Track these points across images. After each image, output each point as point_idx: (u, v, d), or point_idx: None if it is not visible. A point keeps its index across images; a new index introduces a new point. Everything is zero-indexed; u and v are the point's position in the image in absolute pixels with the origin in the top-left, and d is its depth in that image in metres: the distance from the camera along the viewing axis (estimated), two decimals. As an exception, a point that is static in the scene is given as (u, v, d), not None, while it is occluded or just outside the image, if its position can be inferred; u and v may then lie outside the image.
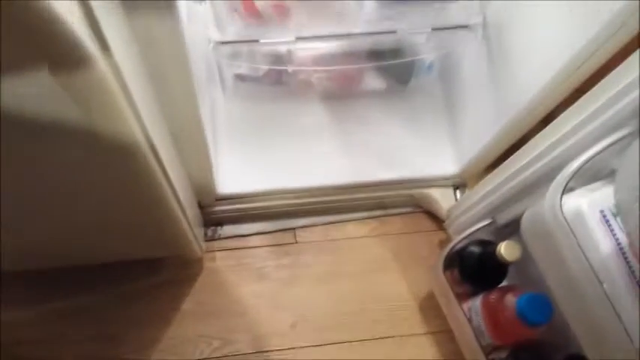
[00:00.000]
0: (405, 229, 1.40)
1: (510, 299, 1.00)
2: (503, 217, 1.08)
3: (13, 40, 0.46)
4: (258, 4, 1.01)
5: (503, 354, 1.05)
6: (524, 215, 0.88)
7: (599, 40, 0.75)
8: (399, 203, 1.40)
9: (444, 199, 1.34)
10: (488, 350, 1.09)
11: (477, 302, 1.09)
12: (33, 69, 0.50)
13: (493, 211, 1.11)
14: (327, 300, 1.30)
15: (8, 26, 0.44)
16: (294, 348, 1.25)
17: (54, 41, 0.47)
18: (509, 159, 1.02)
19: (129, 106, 0.61)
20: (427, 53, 1.19)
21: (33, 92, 0.55)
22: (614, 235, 0.76)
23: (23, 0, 0.42)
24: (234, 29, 1.03)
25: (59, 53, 0.48)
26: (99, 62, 0.52)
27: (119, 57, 0.56)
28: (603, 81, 0.76)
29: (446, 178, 1.34)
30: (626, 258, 0.74)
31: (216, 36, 1.01)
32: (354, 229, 1.38)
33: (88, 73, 0.52)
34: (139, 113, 0.64)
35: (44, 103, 0.57)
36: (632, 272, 0.74)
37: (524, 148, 0.97)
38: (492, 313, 1.05)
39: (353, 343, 1.26)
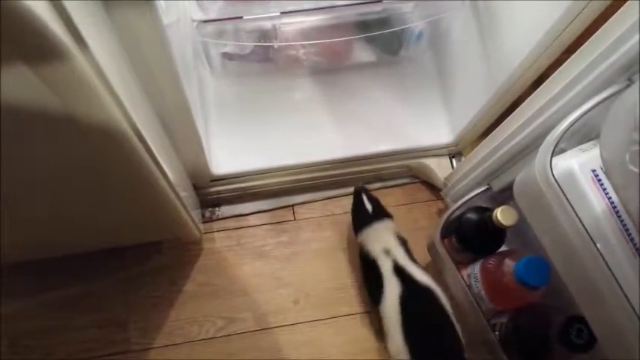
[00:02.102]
0: (403, 201, 1.40)
1: (509, 263, 1.00)
2: (499, 183, 1.08)
3: None
4: (240, -19, 0.99)
5: (504, 318, 1.06)
6: (517, 179, 0.87)
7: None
8: (396, 175, 1.40)
9: (440, 169, 1.34)
10: (489, 315, 1.10)
11: (475, 268, 1.10)
12: (7, 61, 0.49)
13: (488, 177, 1.11)
14: (328, 274, 1.31)
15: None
16: (298, 323, 1.26)
17: (25, 34, 0.46)
18: (501, 124, 1.02)
19: (109, 95, 0.60)
20: (415, 22, 1.17)
21: (11, 82, 0.55)
22: (606, 194, 0.75)
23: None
24: (217, 7, 1.02)
25: (31, 46, 0.48)
26: (74, 53, 0.51)
27: (95, 47, 0.55)
28: (590, 40, 0.75)
29: (441, 147, 1.33)
30: (619, 217, 0.74)
31: (199, 15, 1.00)
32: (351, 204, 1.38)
33: (63, 65, 0.51)
34: (120, 101, 0.63)
35: (24, 93, 0.57)
36: (626, 231, 0.73)
37: (515, 112, 0.97)
38: (491, 279, 1.05)
39: (355, 315, 1.27)
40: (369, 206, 1.22)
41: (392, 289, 1.10)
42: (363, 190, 1.25)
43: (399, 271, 1.12)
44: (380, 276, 1.13)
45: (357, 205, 1.24)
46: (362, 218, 1.22)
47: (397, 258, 1.13)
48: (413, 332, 1.07)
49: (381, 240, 1.17)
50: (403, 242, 1.19)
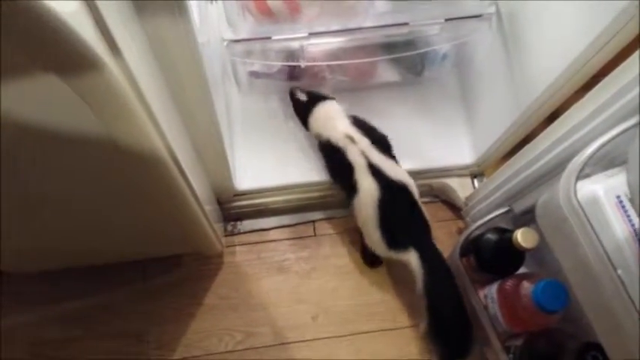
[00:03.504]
0: (424, 219, 1.40)
1: (526, 286, 1.00)
2: (521, 205, 1.07)
3: (16, 46, 0.46)
4: (270, 2, 1.01)
5: (519, 341, 1.05)
6: (540, 201, 0.87)
7: (616, 27, 0.74)
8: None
9: (461, 189, 1.34)
10: (504, 338, 1.09)
11: (493, 289, 1.09)
12: (41, 75, 0.51)
13: (510, 199, 1.10)
14: (348, 291, 1.32)
15: (9, 32, 0.44)
16: (316, 339, 1.27)
17: (58, 46, 0.47)
18: (525, 147, 1.02)
19: (144, 110, 0.62)
20: (440, 44, 1.18)
21: (50, 101, 0.57)
22: (630, 220, 0.75)
23: (22, 2, 0.41)
24: (247, 27, 1.04)
25: (65, 58, 0.49)
26: (109, 66, 0.53)
27: (130, 60, 0.57)
28: (618, 68, 0.75)
29: (463, 168, 1.34)
30: (642, 244, 0.73)
31: (229, 35, 1.02)
32: (373, 221, 1.38)
33: (99, 77, 0.52)
34: (155, 117, 0.65)
35: (61, 111, 0.59)
36: (648, 258, 0.73)
37: (540, 136, 0.97)
38: (508, 301, 1.05)
39: (374, 333, 1.27)
40: (304, 97, 1.22)
41: (368, 189, 1.11)
42: (295, 89, 1.24)
43: (375, 170, 1.11)
44: (349, 165, 1.13)
45: (295, 104, 1.25)
46: (303, 110, 1.23)
47: (370, 157, 1.12)
48: (388, 226, 1.12)
49: (333, 123, 1.17)
50: (367, 128, 1.18)
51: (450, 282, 1.12)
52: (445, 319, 1.11)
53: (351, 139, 1.14)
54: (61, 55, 0.49)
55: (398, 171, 1.14)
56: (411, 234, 1.14)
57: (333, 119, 1.18)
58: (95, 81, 0.53)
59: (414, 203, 1.14)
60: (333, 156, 1.17)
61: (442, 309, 1.11)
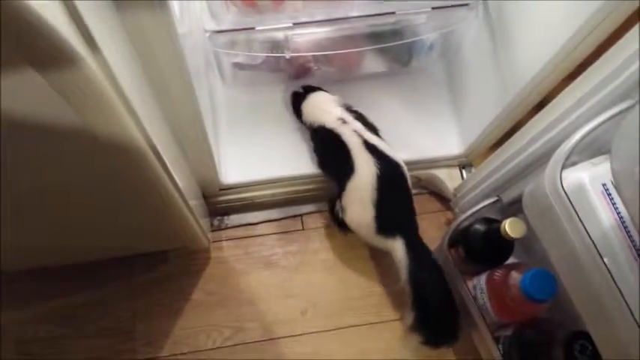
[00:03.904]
0: (412, 211, 1.39)
1: (515, 276, 1.00)
2: (509, 195, 1.07)
3: None
4: (253, -8, 1.00)
5: (508, 331, 1.05)
6: (526, 190, 0.87)
7: (601, 14, 0.74)
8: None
9: (450, 180, 1.33)
10: (493, 328, 1.09)
11: (481, 280, 1.09)
12: (19, 69, 0.49)
13: (498, 189, 1.10)
14: (336, 285, 1.31)
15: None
16: (305, 334, 1.26)
17: (33, 39, 0.46)
18: (513, 137, 1.02)
19: (122, 104, 0.60)
20: (427, 33, 1.17)
21: (28, 93, 0.55)
22: (615, 208, 0.75)
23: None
24: (230, 18, 1.02)
25: (42, 53, 0.48)
26: (86, 60, 0.51)
27: (109, 54, 0.55)
28: (603, 56, 0.75)
29: (451, 158, 1.33)
30: (628, 232, 0.73)
31: (212, 25, 1.01)
32: (361, 214, 1.37)
33: (76, 71, 0.51)
34: (134, 110, 0.63)
35: (40, 104, 0.57)
36: (634, 246, 0.73)
37: (527, 125, 0.96)
38: (497, 291, 1.05)
39: (362, 327, 1.27)
40: (300, 90, 1.24)
41: (366, 165, 1.10)
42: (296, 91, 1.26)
43: (372, 148, 1.11)
44: (344, 146, 1.12)
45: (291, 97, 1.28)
46: (296, 101, 1.25)
47: (365, 137, 1.12)
48: (382, 207, 1.11)
49: (325, 108, 1.18)
50: (359, 116, 1.17)
51: (436, 270, 1.12)
52: (431, 306, 1.10)
53: (344, 121, 1.13)
54: (35, 48, 0.47)
55: (394, 152, 1.13)
56: (400, 220, 1.13)
57: (325, 105, 1.18)
58: (72, 75, 0.52)
59: (407, 188, 1.14)
60: (327, 141, 1.17)
61: (428, 297, 1.10)
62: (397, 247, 1.11)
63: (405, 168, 1.14)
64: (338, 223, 1.22)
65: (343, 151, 1.12)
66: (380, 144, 1.12)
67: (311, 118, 1.20)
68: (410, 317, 1.11)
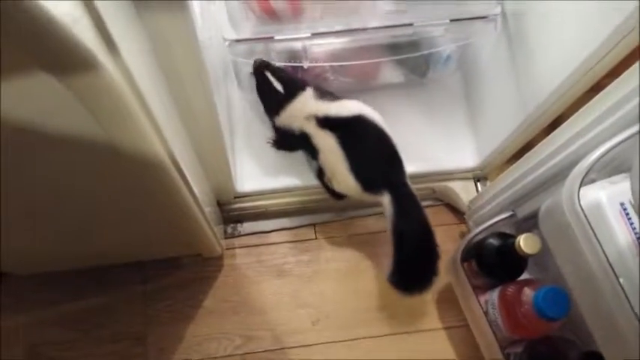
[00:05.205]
0: (426, 223, 1.39)
1: (528, 293, 0.99)
2: (524, 210, 1.06)
3: (10, 46, 0.45)
4: (273, 2, 1.00)
5: (519, 348, 1.04)
6: (543, 206, 0.87)
7: (623, 30, 0.73)
8: (420, 197, 1.38)
9: (464, 192, 1.33)
10: (504, 344, 1.08)
11: (494, 295, 1.08)
12: (39, 75, 0.49)
13: (514, 203, 1.09)
14: (348, 296, 1.30)
15: (5, 32, 0.42)
16: (316, 344, 1.25)
17: (52, 45, 0.46)
18: (529, 151, 1.01)
19: (143, 111, 0.60)
20: (445, 45, 1.17)
21: (48, 102, 0.55)
22: (633, 228, 0.75)
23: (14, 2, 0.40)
24: (249, 27, 1.02)
25: (60, 58, 0.48)
26: (107, 66, 0.51)
27: (129, 60, 0.55)
28: (626, 72, 0.74)
29: (467, 171, 1.32)
30: (644, 252, 0.72)
31: (231, 34, 1.01)
32: (375, 224, 1.37)
33: (95, 77, 0.51)
34: (154, 118, 0.63)
35: (60, 112, 0.57)
36: (651, 267, 0.72)
37: (545, 141, 0.95)
38: (509, 307, 1.04)
39: (374, 339, 1.26)
40: (278, 85, 1.13)
41: (324, 141, 1.11)
42: (265, 66, 1.11)
43: (324, 121, 1.10)
44: (308, 140, 1.13)
45: (263, 86, 1.14)
46: (273, 101, 1.16)
47: (316, 113, 1.11)
48: (360, 169, 1.11)
49: (302, 114, 1.13)
50: (318, 90, 1.14)
51: (420, 221, 1.13)
52: (410, 258, 1.13)
53: (308, 118, 1.12)
54: (55, 54, 0.47)
55: (348, 106, 1.12)
56: (383, 173, 1.13)
57: (304, 109, 1.14)
58: (92, 82, 0.52)
59: (379, 136, 1.12)
60: (292, 140, 1.18)
61: (408, 249, 1.12)
62: (385, 201, 1.12)
63: (368, 112, 1.12)
64: (332, 194, 1.23)
65: (301, 138, 1.13)
66: (330, 108, 1.11)
67: (284, 124, 1.17)
68: (390, 266, 1.14)
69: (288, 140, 1.20)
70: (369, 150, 1.12)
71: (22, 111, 0.56)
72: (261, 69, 1.11)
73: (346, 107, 1.12)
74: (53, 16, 0.43)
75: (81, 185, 0.75)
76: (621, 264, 0.73)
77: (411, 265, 1.14)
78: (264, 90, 1.15)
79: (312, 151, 1.16)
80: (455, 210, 1.39)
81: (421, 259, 1.14)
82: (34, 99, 0.55)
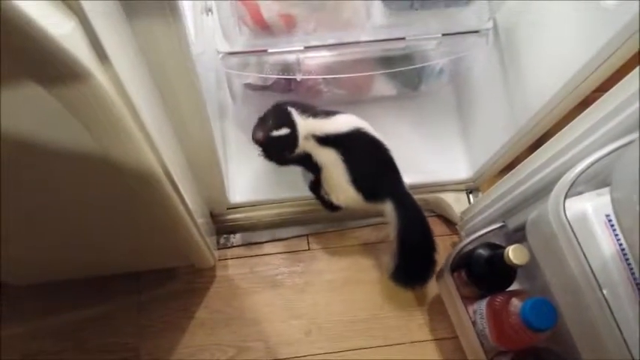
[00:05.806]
0: (418, 234, 1.39)
1: (515, 303, 0.99)
2: (514, 222, 1.07)
3: (3, 58, 0.45)
4: (266, 15, 1.01)
5: (506, 358, 1.05)
6: (530, 217, 0.88)
7: (614, 45, 0.74)
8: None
9: (457, 204, 1.34)
10: (491, 355, 1.09)
11: (482, 305, 1.09)
12: (29, 87, 0.49)
13: (504, 215, 1.10)
14: (341, 307, 1.30)
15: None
16: (309, 355, 1.25)
17: (41, 55, 0.45)
18: (521, 163, 1.02)
19: (135, 123, 0.61)
20: (437, 59, 1.18)
21: (40, 113, 0.56)
22: (618, 240, 0.75)
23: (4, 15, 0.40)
24: (242, 40, 1.03)
25: (48, 68, 0.48)
26: (97, 76, 0.51)
27: (121, 70, 0.55)
28: (615, 87, 0.75)
29: (459, 183, 1.33)
30: (628, 264, 0.73)
31: (225, 47, 1.02)
32: (368, 235, 1.38)
33: (85, 87, 0.51)
34: (146, 130, 0.63)
35: (52, 124, 0.58)
36: (634, 279, 0.73)
37: (535, 153, 0.97)
38: (497, 317, 1.04)
39: (367, 350, 1.26)
40: (282, 131, 1.10)
41: (325, 157, 1.13)
42: (267, 131, 1.11)
43: (324, 139, 1.11)
44: (309, 158, 1.14)
45: (271, 147, 1.14)
46: (285, 146, 1.12)
47: (313, 132, 1.11)
48: (362, 181, 1.15)
49: (300, 136, 1.11)
50: (305, 109, 1.13)
51: (422, 226, 1.20)
52: (412, 259, 1.21)
53: (307, 138, 1.11)
54: (43, 65, 0.47)
55: (343, 121, 1.14)
56: (383, 182, 1.17)
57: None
58: (82, 92, 0.52)
59: (377, 148, 1.15)
60: (281, 155, 1.16)
61: (412, 252, 1.19)
62: (387, 209, 1.17)
63: (363, 126, 1.14)
64: (328, 206, 1.25)
65: (303, 158, 1.14)
66: (326, 126, 1.12)
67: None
68: (392, 266, 1.22)
69: (281, 153, 1.18)
70: (370, 161, 1.15)
71: (16, 123, 0.56)
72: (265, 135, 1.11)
73: (342, 122, 1.13)
74: (45, 29, 0.43)
75: (75, 197, 0.75)
76: (605, 275, 0.73)
77: (413, 262, 1.21)
78: (272, 152, 1.15)
79: (313, 168, 1.18)
80: (448, 221, 1.40)
81: (422, 256, 1.21)
82: (26, 111, 0.55)
